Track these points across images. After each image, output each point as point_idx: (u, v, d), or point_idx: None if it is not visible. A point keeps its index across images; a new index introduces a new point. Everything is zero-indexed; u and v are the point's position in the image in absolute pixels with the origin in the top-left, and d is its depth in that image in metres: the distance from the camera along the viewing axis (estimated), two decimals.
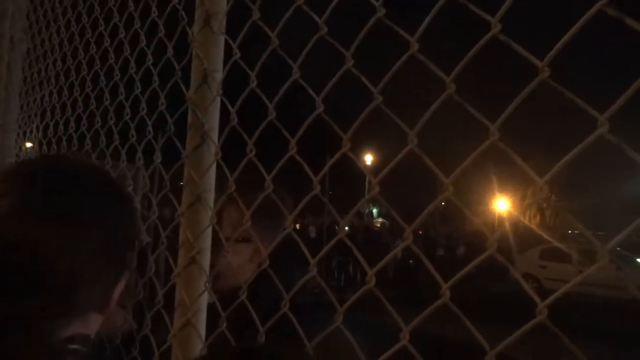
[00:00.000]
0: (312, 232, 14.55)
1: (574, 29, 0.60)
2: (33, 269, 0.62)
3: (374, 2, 0.83)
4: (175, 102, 1.29)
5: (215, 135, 1.20)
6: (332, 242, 0.97)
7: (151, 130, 1.33)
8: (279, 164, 1.04)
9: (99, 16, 1.77)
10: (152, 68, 1.39)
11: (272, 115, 1.05)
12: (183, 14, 1.31)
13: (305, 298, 0.98)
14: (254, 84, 1.08)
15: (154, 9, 1.42)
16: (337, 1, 0.92)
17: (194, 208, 1.16)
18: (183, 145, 1.22)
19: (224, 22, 1.20)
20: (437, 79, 0.74)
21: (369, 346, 0.83)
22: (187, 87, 1.23)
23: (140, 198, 1.32)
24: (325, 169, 0.92)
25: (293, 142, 1.00)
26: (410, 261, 14.31)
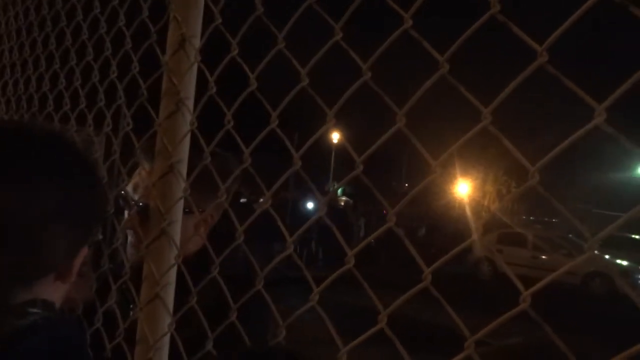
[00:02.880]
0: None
1: (575, 15, 0.59)
2: None
3: None
4: (150, 67, 1.22)
5: (191, 103, 1.15)
6: (310, 222, 0.96)
7: (122, 95, 1.27)
8: (257, 139, 1.01)
9: None
10: (124, 29, 1.31)
11: (253, 85, 1.01)
12: None
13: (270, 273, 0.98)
14: (235, 52, 1.04)
15: None
16: None
17: (166, 178, 1.12)
18: (156, 113, 1.17)
19: None
20: (430, 59, 0.72)
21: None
22: (163, 51, 1.17)
23: (108, 166, 1.26)
24: (310, 142, 0.89)
25: (274, 115, 0.97)
26: (372, 242, 14.54)
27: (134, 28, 1.30)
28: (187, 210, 1.16)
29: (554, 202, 0.57)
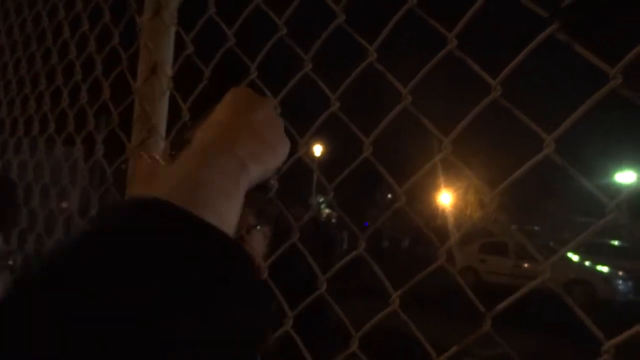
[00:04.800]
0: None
1: (525, 51, 0.61)
2: None
3: None
4: (121, 92, 1.22)
5: (163, 129, 1.15)
6: (285, 247, 0.96)
7: (92, 120, 1.26)
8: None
9: None
10: (94, 55, 1.31)
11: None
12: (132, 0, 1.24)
13: None
14: (206, 80, 1.04)
15: None
16: None
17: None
18: (128, 138, 1.17)
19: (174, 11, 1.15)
20: (395, 89, 0.74)
21: None
22: (134, 77, 1.17)
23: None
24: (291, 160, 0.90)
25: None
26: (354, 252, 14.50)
27: (105, 53, 1.30)
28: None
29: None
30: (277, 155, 0.51)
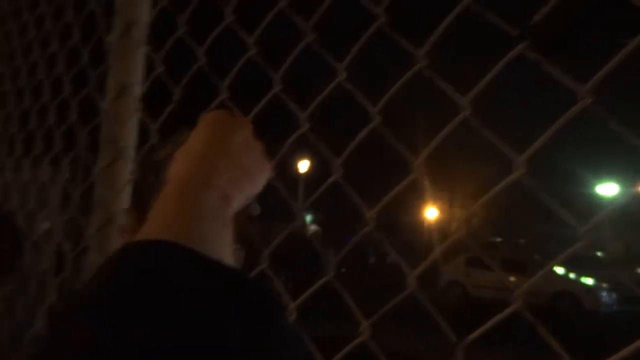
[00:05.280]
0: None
1: (494, 70, 0.60)
2: None
3: None
4: (89, 112, 1.19)
5: (131, 151, 1.12)
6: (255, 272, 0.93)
7: (59, 144, 1.22)
8: None
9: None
10: (63, 75, 1.28)
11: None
12: (102, 20, 1.21)
13: None
14: (177, 99, 1.01)
15: (68, 10, 1.31)
16: None
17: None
18: (95, 160, 1.13)
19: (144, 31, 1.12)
20: (365, 112, 0.71)
21: None
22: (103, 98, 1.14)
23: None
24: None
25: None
26: (342, 270, 14.44)
27: (73, 73, 1.26)
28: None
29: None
30: (256, 182, 0.49)
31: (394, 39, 0.67)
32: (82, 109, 1.22)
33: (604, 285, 12.80)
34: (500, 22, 0.60)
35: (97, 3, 1.23)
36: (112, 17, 1.15)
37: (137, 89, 1.11)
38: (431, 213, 21.79)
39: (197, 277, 0.31)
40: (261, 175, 0.50)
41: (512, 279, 13.46)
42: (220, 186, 0.43)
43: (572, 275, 12.77)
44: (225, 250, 0.38)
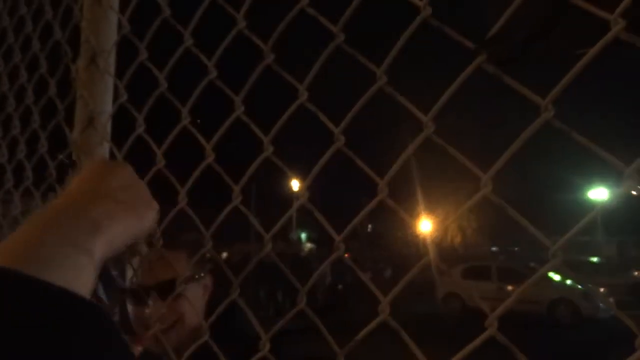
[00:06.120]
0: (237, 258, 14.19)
1: (454, 86, 0.58)
2: None
3: None
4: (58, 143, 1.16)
5: None
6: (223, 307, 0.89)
7: (30, 176, 1.19)
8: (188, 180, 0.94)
9: None
10: (32, 107, 1.25)
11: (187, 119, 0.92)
12: (67, 48, 1.19)
13: None
14: (141, 129, 0.99)
15: (34, 41, 1.29)
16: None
17: None
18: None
19: (112, 60, 1.10)
20: (327, 130, 0.70)
21: None
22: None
23: None
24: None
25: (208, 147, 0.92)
26: (339, 286, 14.35)
27: (42, 104, 1.24)
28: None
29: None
30: (140, 215, 0.52)
31: (354, 57, 0.66)
32: (51, 140, 1.19)
33: (601, 290, 12.79)
34: (458, 36, 0.59)
35: (62, 33, 1.21)
36: (78, 46, 1.13)
37: (105, 118, 1.09)
38: (425, 226, 21.79)
39: (19, 298, 0.32)
40: (145, 210, 0.53)
41: (509, 288, 13.42)
42: (92, 216, 0.46)
43: (568, 282, 12.75)
44: (78, 273, 0.40)
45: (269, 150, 0.73)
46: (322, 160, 0.67)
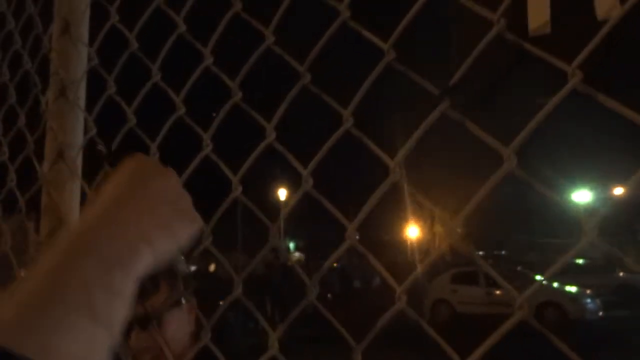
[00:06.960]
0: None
1: (420, 131, 0.58)
2: None
3: None
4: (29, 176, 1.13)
5: (75, 215, 1.07)
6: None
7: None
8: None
9: None
10: (1, 139, 1.22)
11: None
12: (37, 79, 1.17)
13: None
14: (109, 162, 0.97)
15: (4, 69, 1.26)
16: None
17: None
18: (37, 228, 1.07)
19: (82, 92, 1.08)
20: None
21: None
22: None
23: None
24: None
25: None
26: (329, 295, 14.29)
27: (11, 136, 1.21)
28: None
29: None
30: (181, 234, 0.45)
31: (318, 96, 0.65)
32: (20, 173, 1.17)
33: (588, 292, 12.90)
34: (423, 81, 0.58)
35: (31, 64, 1.19)
36: (48, 76, 1.11)
37: (76, 152, 1.07)
38: (413, 232, 21.86)
39: None
40: (188, 226, 0.46)
41: (497, 292, 13.47)
42: (128, 239, 0.39)
43: (555, 285, 12.85)
44: (92, 346, 0.35)
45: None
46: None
